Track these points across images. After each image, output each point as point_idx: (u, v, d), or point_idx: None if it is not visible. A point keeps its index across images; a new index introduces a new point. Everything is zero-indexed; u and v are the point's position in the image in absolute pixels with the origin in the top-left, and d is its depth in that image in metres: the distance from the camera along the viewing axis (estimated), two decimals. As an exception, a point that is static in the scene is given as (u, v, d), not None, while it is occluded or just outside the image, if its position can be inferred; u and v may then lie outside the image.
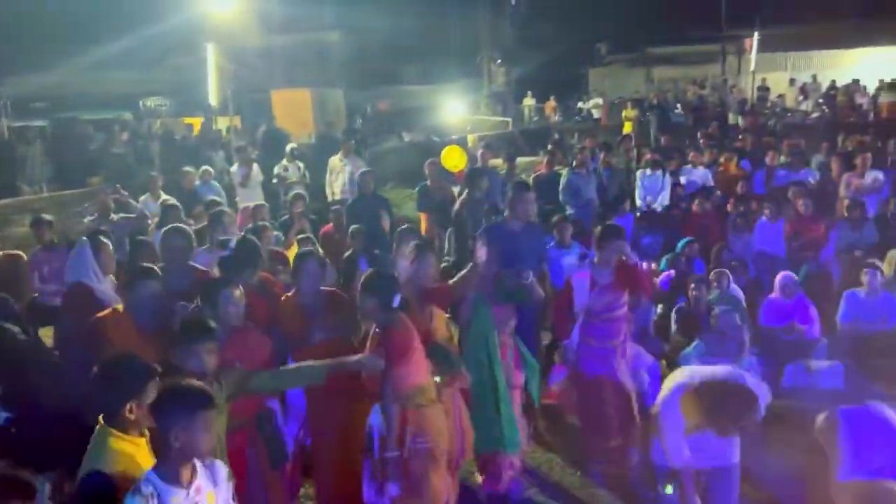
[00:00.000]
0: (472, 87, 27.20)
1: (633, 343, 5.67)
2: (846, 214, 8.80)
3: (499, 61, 30.63)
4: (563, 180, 9.97)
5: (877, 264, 7.36)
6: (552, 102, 28.91)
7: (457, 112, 21.99)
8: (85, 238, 5.34)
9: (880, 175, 9.94)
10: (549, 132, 22.57)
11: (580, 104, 28.97)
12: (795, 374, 6.75)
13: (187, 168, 10.01)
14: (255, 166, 11.17)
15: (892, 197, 9.38)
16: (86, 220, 8.30)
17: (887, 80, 25.75)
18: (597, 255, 5.45)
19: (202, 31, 17.19)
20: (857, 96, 25.00)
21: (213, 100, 17.23)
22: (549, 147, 13.02)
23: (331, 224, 8.57)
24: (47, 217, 7.72)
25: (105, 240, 5.37)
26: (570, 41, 31.39)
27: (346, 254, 7.32)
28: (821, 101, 25.39)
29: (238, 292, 4.06)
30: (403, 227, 6.13)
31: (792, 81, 28.30)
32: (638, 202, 10.33)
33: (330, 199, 11.05)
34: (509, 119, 25.66)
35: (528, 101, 29.68)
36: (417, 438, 4.02)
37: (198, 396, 2.86)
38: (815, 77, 27.59)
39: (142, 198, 9.07)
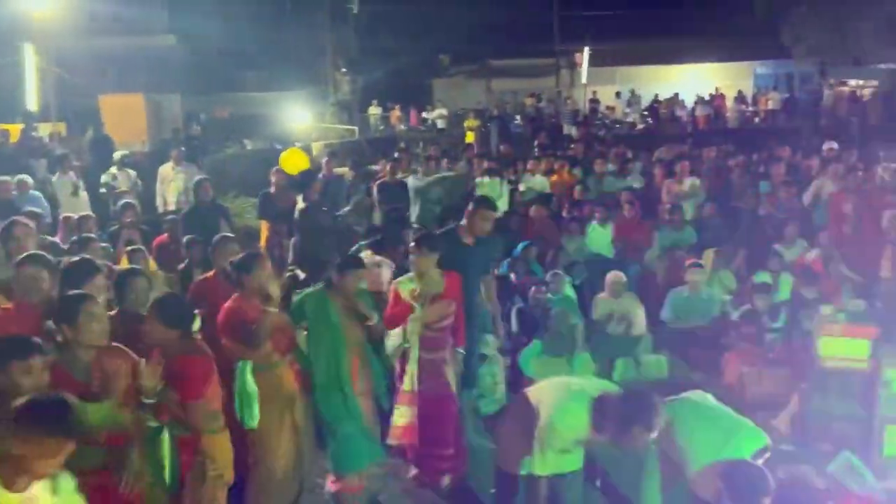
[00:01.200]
0: (317, 95, 26.92)
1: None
2: (667, 217, 9.37)
3: (343, 70, 30.56)
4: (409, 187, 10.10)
5: (699, 263, 7.88)
6: (397, 111, 29.16)
7: (301, 120, 21.72)
8: None
9: (696, 181, 10.65)
10: (395, 141, 22.77)
11: (424, 114, 29.36)
12: (625, 368, 7.12)
13: (3, 178, 9.26)
14: (72, 174, 10.61)
15: (708, 201, 10.01)
16: None
17: (704, 94, 28.01)
18: None
19: (19, 31, 15.90)
20: (677, 109, 26.99)
21: (32, 105, 16.00)
22: (396, 155, 13.12)
23: (165, 234, 8.14)
24: None
25: None
26: (414, 51, 31.78)
27: (181, 265, 6.95)
28: (645, 112, 27.20)
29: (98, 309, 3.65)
30: (220, 235, 5.79)
31: (618, 94, 29.99)
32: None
33: (161, 209, 10.64)
34: (355, 127, 25.62)
35: (374, 110, 29.78)
36: (208, 465, 3.86)
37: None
38: (632, 91, 29.43)
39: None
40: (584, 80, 30.98)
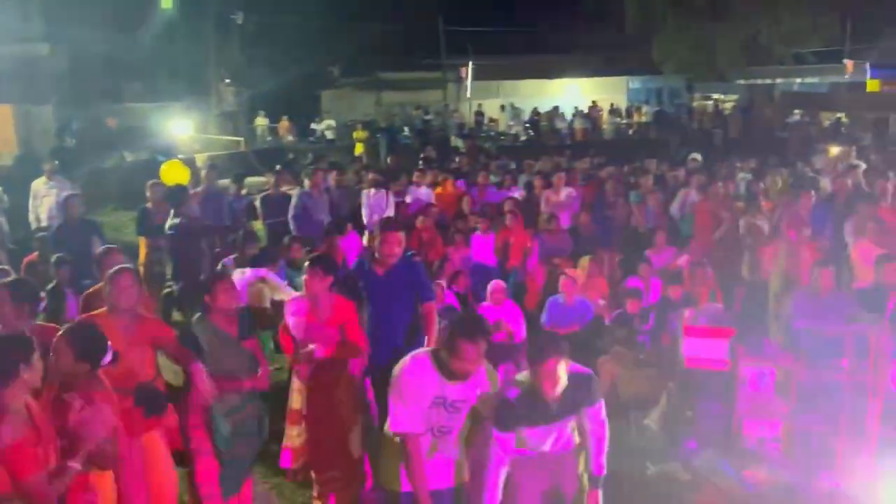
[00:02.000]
0: (201, 105, 26.10)
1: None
2: (545, 226, 9.55)
3: (227, 80, 29.74)
4: (293, 200, 9.87)
5: (571, 272, 8.06)
6: (285, 122, 28.63)
7: (184, 131, 20.96)
8: None
9: (572, 192, 10.85)
10: (283, 152, 22.41)
11: (313, 125, 28.99)
12: (506, 373, 7.19)
13: None
14: None
15: (582, 210, 10.19)
16: None
17: (582, 107, 28.96)
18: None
19: None
20: (557, 122, 27.77)
21: None
22: (278, 167, 12.89)
23: (35, 253, 7.68)
24: None
25: None
26: (302, 63, 31.30)
27: (50, 285, 6.56)
28: (527, 125, 27.85)
29: None
30: (104, 247, 5.52)
31: (503, 107, 30.58)
32: (364, 220, 10.45)
33: (35, 225, 9.98)
34: (241, 139, 24.96)
35: (261, 121, 29.08)
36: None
37: None
38: (512, 104, 30.15)
39: None
40: (468, 93, 31.44)
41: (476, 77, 31.17)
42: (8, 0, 18.30)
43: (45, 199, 10.03)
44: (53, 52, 23.18)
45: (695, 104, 30.29)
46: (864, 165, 11.67)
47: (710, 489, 5.38)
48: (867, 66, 26.09)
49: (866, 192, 9.69)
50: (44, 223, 9.79)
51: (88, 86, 23.04)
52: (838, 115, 24.19)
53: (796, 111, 24.83)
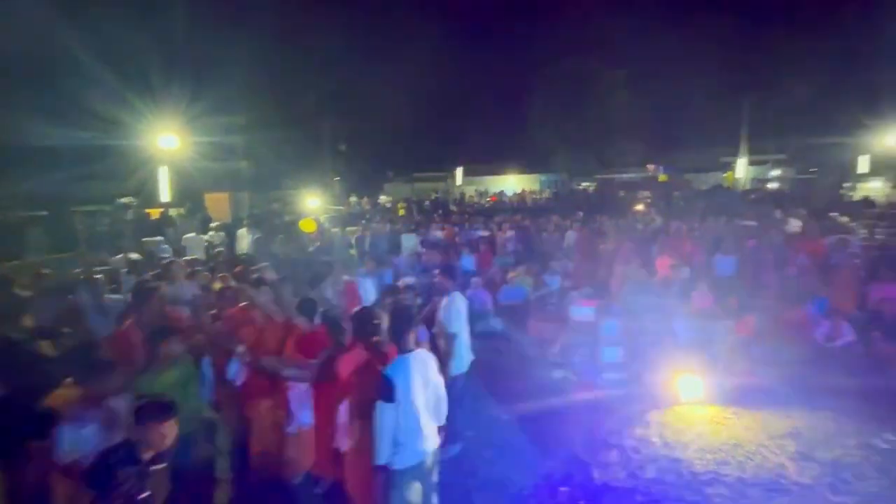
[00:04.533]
0: (323, 190, 25.21)
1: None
2: (501, 252, 9.46)
3: (337, 178, 29.77)
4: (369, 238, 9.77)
5: (512, 274, 8.00)
6: (365, 199, 28.10)
7: (314, 203, 17.85)
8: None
9: (513, 233, 10.43)
10: (363, 214, 22.23)
11: (379, 200, 28.36)
12: (480, 323, 7.00)
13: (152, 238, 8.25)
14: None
15: (519, 242, 9.89)
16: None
17: (517, 189, 28.89)
18: None
19: (157, 159, 14.48)
20: (504, 197, 27.67)
21: (166, 198, 14.61)
22: (363, 222, 12.74)
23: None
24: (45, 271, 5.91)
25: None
26: (372, 169, 31.68)
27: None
28: (489, 199, 27.74)
29: None
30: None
31: (476, 190, 30.55)
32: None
33: (233, 253, 9.10)
34: (343, 207, 23.64)
35: (353, 198, 28.64)
36: None
37: None
38: (480, 189, 30.07)
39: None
40: (459, 182, 31.56)
41: (464, 174, 31.33)
42: (221, 132, 17.73)
43: (243, 239, 9.90)
44: (249, 164, 23.33)
45: (575, 188, 30.37)
46: (659, 219, 11.67)
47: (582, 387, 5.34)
48: (660, 167, 26.54)
49: (663, 231, 9.67)
50: (241, 250, 9.09)
51: (266, 181, 23.00)
52: (646, 193, 24.19)
53: (622, 192, 24.83)
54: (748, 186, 22.06)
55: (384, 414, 2.53)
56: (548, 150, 31.47)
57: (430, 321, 4.08)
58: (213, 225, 11.40)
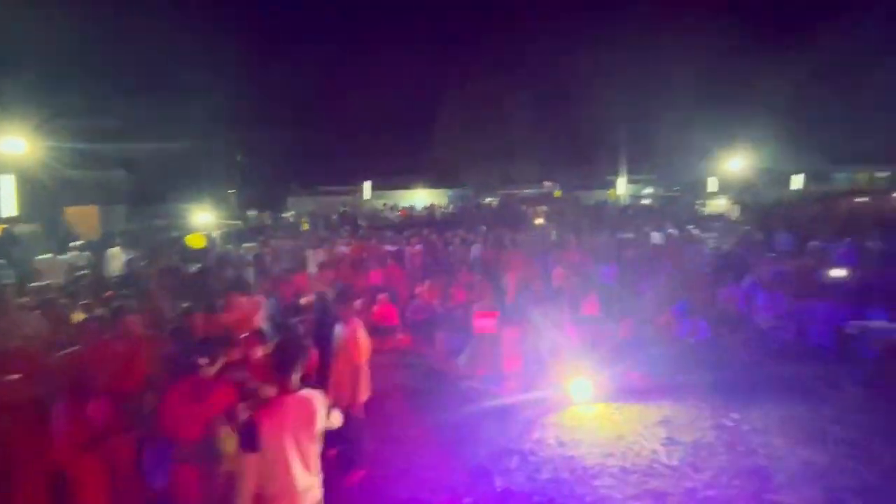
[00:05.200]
0: (217, 204, 23.48)
1: None
2: (409, 266, 9.47)
3: (231, 190, 27.62)
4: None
5: (421, 289, 8.04)
6: (266, 213, 26.67)
7: (206, 218, 16.58)
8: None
9: (420, 247, 10.50)
10: (266, 229, 20.82)
11: (284, 214, 27.06)
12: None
13: None
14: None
15: (427, 255, 10.14)
16: None
17: (426, 203, 29.34)
18: None
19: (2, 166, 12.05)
20: (413, 211, 27.91)
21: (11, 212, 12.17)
22: (261, 238, 11.95)
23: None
24: None
25: None
26: (276, 180, 29.92)
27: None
28: (398, 213, 27.79)
29: None
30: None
31: (385, 204, 30.46)
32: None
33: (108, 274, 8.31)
34: (240, 221, 22.44)
35: (252, 213, 27.03)
36: None
37: None
38: (384, 203, 30.16)
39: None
40: (367, 196, 31.19)
41: (372, 189, 31.06)
42: (87, 137, 15.09)
43: (115, 260, 8.81)
44: (126, 175, 20.61)
45: (480, 202, 31.78)
46: (555, 232, 12.61)
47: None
48: (556, 184, 28.96)
49: (557, 243, 10.43)
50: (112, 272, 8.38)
51: (148, 194, 20.52)
52: (544, 207, 26.00)
53: (522, 206, 26.47)
54: (627, 202, 24.96)
55: (245, 464, 2.17)
56: (455, 166, 32.66)
57: (325, 346, 3.87)
58: (75, 244, 9.89)
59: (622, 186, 26.88)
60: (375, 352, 4.01)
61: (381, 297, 7.32)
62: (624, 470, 3.95)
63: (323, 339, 3.84)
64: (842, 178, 27.91)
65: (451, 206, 30.00)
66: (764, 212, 14.95)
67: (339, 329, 3.68)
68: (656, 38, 27.61)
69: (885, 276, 6.79)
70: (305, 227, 19.79)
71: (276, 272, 7.65)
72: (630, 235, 11.09)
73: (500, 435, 4.50)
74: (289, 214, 26.10)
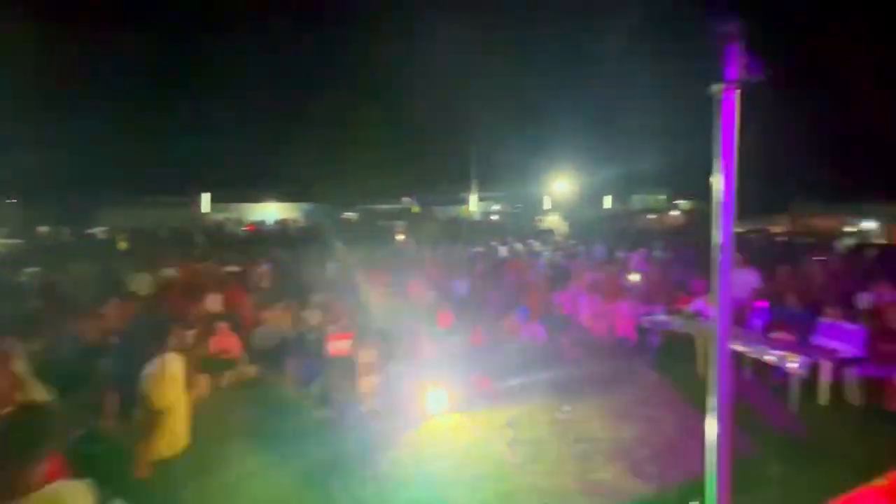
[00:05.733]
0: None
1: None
2: (260, 285, 8.63)
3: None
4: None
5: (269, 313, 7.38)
6: (66, 229, 21.62)
7: None
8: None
9: (268, 268, 9.99)
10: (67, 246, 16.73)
11: (91, 231, 22.31)
12: None
13: None
14: None
15: (273, 275, 9.51)
16: None
17: (277, 218, 27.32)
18: None
19: None
20: (261, 226, 25.79)
21: None
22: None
23: None
24: None
25: None
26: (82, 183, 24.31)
27: None
28: (244, 228, 25.39)
29: None
30: None
31: (227, 219, 27.59)
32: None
33: None
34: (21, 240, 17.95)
35: (43, 230, 21.63)
36: None
37: None
38: (233, 218, 27.54)
39: None
40: (206, 209, 27.80)
41: (212, 201, 27.71)
42: None
43: None
44: None
45: (339, 217, 31.02)
46: (413, 247, 12.93)
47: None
48: (414, 199, 29.90)
49: (416, 258, 10.68)
50: None
51: None
52: (403, 222, 26.55)
53: (381, 221, 26.61)
54: (478, 218, 27.15)
55: None
56: (312, 180, 31.24)
57: (129, 391, 3.19)
58: None
59: (474, 203, 29.15)
60: (214, 388, 3.51)
61: (221, 325, 6.51)
62: (476, 477, 4.14)
63: (127, 382, 3.16)
64: (637, 200, 34.92)
65: (306, 222, 28.63)
66: (584, 227, 17.74)
67: (150, 368, 3.07)
68: (500, 71, 30.83)
69: (666, 279, 8.62)
70: (123, 245, 16.62)
71: (75, 303, 6.20)
72: (481, 249, 12.01)
73: (356, 459, 4.33)
74: (98, 230, 21.54)
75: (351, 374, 5.65)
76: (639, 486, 3.87)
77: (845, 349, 5.38)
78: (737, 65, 1.34)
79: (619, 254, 10.45)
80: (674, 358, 6.53)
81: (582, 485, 3.97)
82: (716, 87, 1.42)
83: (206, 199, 27.92)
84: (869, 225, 21.78)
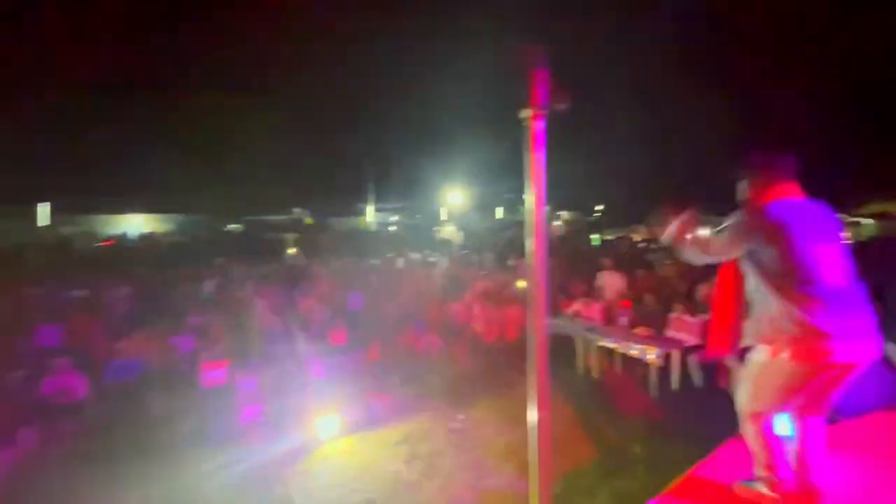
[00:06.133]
0: None
1: None
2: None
3: None
4: None
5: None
6: None
7: None
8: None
9: (131, 291, 8.65)
10: None
11: None
12: None
13: None
14: None
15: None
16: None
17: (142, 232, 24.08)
18: None
19: None
20: (125, 242, 22.47)
21: None
22: None
23: None
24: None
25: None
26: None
27: None
28: (98, 245, 21.80)
29: None
30: None
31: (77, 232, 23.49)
32: None
33: None
34: None
35: None
36: None
37: None
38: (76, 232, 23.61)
39: None
40: (45, 222, 23.25)
41: (52, 212, 23.20)
42: None
43: None
44: None
45: (220, 229, 28.23)
46: (306, 261, 12.26)
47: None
48: (305, 210, 28.73)
49: (307, 272, 10.10)
50: None
51: None
52: (294, 235, 25.16)
53: (270, 233, 24.97)
54: (375, 229, 26.85)
55: None
56: (189, 189, 27.99)
57: None
58: None
59: (371, 215, 28.78)
60: (51, 440, 2.82)
61: (60, 362, 5.43)
62: (369, 501, 3.97)
63: None
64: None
65: (180, 235, 25.64)
66: (477, 237, 18.54)
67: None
68: (396, 83, 31.03)
69: (550, 284, 9.29)
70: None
71: None
72: (377, 261, 11.82)
73: (238, 498, 3.87)
74: None
75: (230, 405, 5.09)
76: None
77: (689, 339, 6.29)
78: (543, 92, 1.45)
79: (510, 262, 11.06)
80: (557, 358, 7.01)
81: (476, 494, 4.03)
82: (524, 113, 1.51)
83: (43, 210, 23.20)
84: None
